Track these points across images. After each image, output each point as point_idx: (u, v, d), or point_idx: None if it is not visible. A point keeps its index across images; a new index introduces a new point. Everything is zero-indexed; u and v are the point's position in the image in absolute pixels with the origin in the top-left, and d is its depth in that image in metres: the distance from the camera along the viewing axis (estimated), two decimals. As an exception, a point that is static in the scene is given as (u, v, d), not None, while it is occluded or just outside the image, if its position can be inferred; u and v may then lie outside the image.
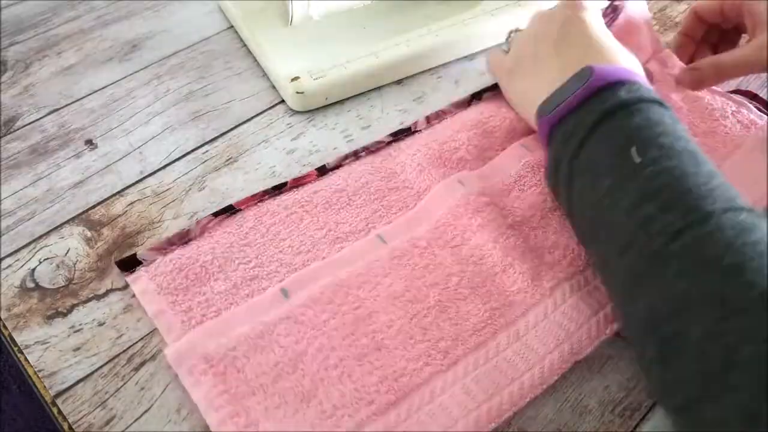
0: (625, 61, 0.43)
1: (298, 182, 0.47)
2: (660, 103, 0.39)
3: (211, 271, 0.41)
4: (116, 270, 0.42)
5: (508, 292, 0.41)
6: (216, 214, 0.44)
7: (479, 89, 0.53)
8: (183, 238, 0.43)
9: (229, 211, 0.45)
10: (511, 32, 0.53)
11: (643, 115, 0.38)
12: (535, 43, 0.47)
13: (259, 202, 0.45)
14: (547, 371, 0.38)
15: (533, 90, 0.45)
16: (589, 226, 0.39)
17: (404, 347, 0.38)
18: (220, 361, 0.37)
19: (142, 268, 0.41)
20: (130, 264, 0.42)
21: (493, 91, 0.53)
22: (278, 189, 0.46)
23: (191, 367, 0.37)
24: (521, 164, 0.47)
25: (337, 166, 0.48)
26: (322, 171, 0.48)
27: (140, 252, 0.42)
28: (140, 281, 0.41)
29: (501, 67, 0.51)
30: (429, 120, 0.51)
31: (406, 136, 0.50)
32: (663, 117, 0.38)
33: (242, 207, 0.45)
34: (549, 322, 0.40)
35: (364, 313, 0.39)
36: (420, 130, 0.51)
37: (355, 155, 0.49)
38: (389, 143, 0.50)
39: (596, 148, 0.39)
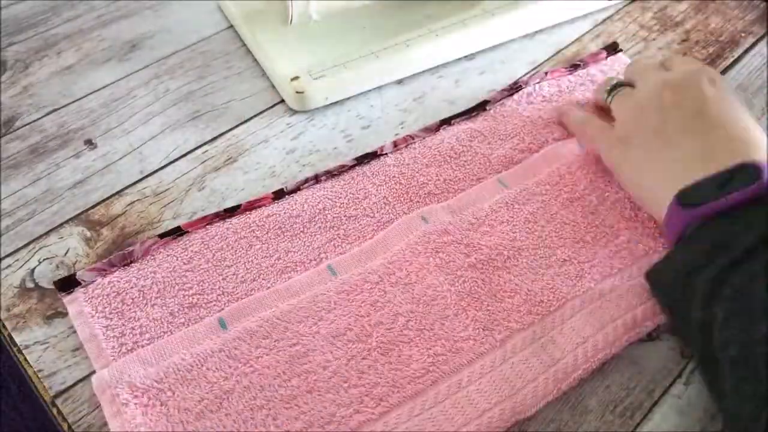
0: None
1: (252, 205, 0.45)
2: None
3: (149, 297, 0.40)
4: (116, 270, 0.42)
5: (456, 338, 0.38)
6: (162, 236, 0.43)
7: (448, 116, 0.51)
8: (124, 260, 0.42)
9: (176, 233, 0.43)
10: (614, 86, 0.48)
11: None
12: (664, 116, 0.41)
13: (208, 224, 0.44)
14: (484, 429, 0.35)
15: (660, 169, 0.40)
16: (730, 366, 0.32)
17: (336, 391, 0.36)
18: (145, 393, 0.35)
19: (80, 290, 0.40)
20: (69, 284, 0.40)
21: (463, 117, 0.51)
22: (231, 212, 0.45)
23: (113, 395, 0.35)
24: (495, 200, 0.45)
25: (295, 190, 0.46)
26: (279, 195, 0.46)
27: (79, 273, 0.41)
28: (76, 303, 0.40)
29: (602, 132, 0.46)
30: (396, 144, 0.49)
31: (371, 160, 0.48)
32: None
33: (189, 229, 0.43)
34: (495, 375, 0.37)
35: (301, 351, 0.37)
36: (386, 154, 0.48)
37: (316, 179, 0.47)
38: (353, 167, 0.48)
39: (751, 279, 0.33)
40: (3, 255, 0.43)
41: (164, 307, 0.40)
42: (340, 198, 0.46)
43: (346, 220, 0.44)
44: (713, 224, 0.35)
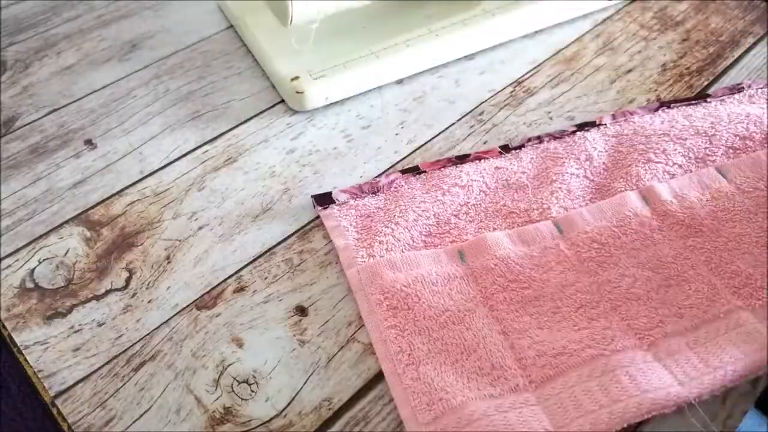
0: None
1: (479, 156, 0.49)
2: None
3: (393, 219, 0.44)
4: (115, 270, 0.43)
5: (681, 305, 0.40)
6: (403, 172, 0.48)
7: (668, 100, 0.52)
8: (373, 188, 0.47)
9: (415, 171, 0.48)
10: None
11: None
12: None
13: (443, 167, 0.48)
14: (723, 382, 0.36)
15: None
16: None
17: (567, 330, 0.39)
18: (394, 296, 0.40)
19: (335, 206, 0.46)
20: (324, 200, 0.46)
21: (683, 102, 0.52)
22: (461, 159, 0.48)
23: (369, 294, 0.40)
24: (716, 187, 0.45)
25: (520, 147, 0.49)
26: (505, 149, 0.49)
27: (335, 192, 0.46)
28: (332, 217, 0.45)
29: None
30: (615, 117, 0.51)
31: (591, 128, 0.50)
32: None
33: (427, 169, 0.48)
34: (721, 341, 0.38)
35: (532, 295, 0.40)
36: (606, 125, 0.51)
37: (539, 139, 0.50)
38: (573, 132, 0.50)
39: None
40: (3, 255, 0.43)
41: (406, 230, 0.44)
42: (562, 158, 0.48)
43: (569, 177, 0.47)
44: None
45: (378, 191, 0.47)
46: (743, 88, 0.54)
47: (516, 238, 0.43)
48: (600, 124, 0.51)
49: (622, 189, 0.46)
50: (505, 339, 0.38)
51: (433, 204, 0.45)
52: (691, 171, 0.47)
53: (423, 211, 0.45)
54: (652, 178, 0.46)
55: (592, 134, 0.50)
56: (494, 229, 0.44)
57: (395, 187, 0.47)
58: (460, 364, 0.37)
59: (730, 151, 0.48)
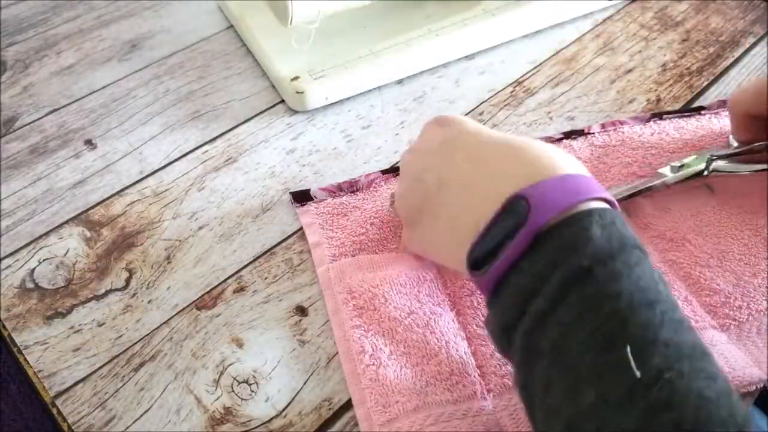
0: (557, 158, 0.32)
1: None
2: (640, 249, 0.29)
3: (369, 219, 0.44)
4: (115, 270, 0.43)
5: None
6: (384, 172, 0.48)
7: (660, 111, 0.52)
8: (351, 187, 0.47)
9: (396, 171, 0.47)
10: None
11: (629, 278, 0.27)
12: (418, 187, 0.37)
13: None
14: None
15: (445, 241, 0.35)
16: None
17: None
18: (362, 296, 0.39)
19: (313, 204, 0.46)
20: (302, 197, 0.46)
21: (675, 114, 0.51)
22: None
23: (336, 293, 0.40)
24: (700, 201, 0.45)
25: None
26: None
27: (314, 189, 0.46)
28: (308, 215, 0.45)
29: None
30: (603, 126, 0.50)
31: (578, 136, 0.50)
32: (651, 276, 0.28)
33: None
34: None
35: None
36: (593, 133, 0.50)
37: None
38: (559, 140, 0.49)
39: (568, 330, 0.27)
40: (3, 255, 0.43)
41: (380, 231, 0.44)
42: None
43: None
44: (509, 281, 0.30)
45: (357, 190, 0.46)
46: None
47: None
48: (588, 133, 0.50)
49: None
50: (469, 345, 0.38)
51: None
52: (677, 185, 0.46)
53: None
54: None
55: (579, 143, 0.49)
56: None
57: (374, 187, 0.47)
58: (421, 368, 0.37)
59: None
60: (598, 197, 0.30)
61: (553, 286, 0.28)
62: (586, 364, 0.26)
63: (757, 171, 0.45)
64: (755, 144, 0.45)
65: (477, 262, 0.31)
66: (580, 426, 0.26)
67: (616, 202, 0.31)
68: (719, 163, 0.45)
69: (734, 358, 0.37)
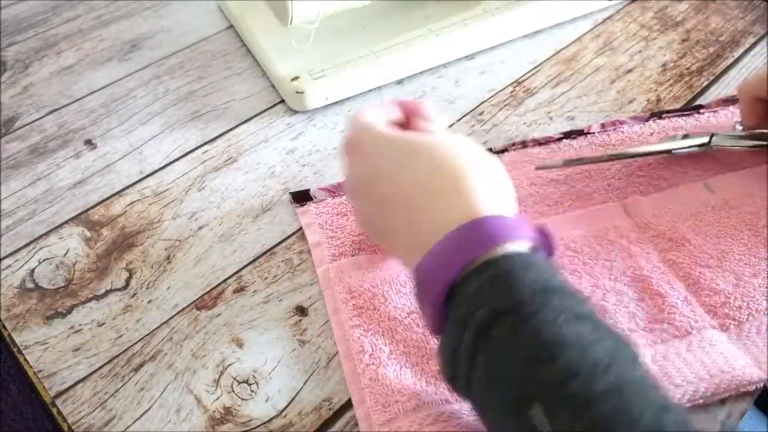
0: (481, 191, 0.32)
1: None
2: (566, 293, 0.29)
3: None
4: (115, 270, 0.43)
5: (651, 320, 0.40)
6: None
7: (659, 110, 0.52)
8: None
9: None
10: None
11: (549, 324, 0.27)
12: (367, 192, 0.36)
13: None
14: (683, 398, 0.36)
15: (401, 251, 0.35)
16: None
17: None
18: (361, 295, 0.40)
19: (312, 204, 0.46)
20: (302, 198, 0.46)
21: (674, 113, 0.51)
22: None
23: (336, 293, 0.40)
24: (701, 201, 0.45)
25: (502, 151, 0.49)
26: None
27: (313, 189, 0.46)
28: (308, 215, 0.45)
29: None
30: (604, 126, 0.50)
31: (577, 135, 0.50)
32: (579, 321, 0.28)
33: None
34: (679, 361, 0.37)
35: None
36: (594, 133, 0.50)
37: (523, 144, 0.49)
38: (559, 139, 0.49)
39: (489, 373, 0.28)
40: (3, 255, 0.43)
41: None
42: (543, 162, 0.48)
43: (549, 182, 0.47)
44: (455, 302, 0.30)
45: None
46: (738, 99, 0.53)
47: None
48: (588, 133, 0.50)
49: (603, 200, 0.45)
50: None
51: None
52: (677, 185, 0.46)
53: None
54: (634, 191, 0.46)
55: (578, 142, 0.49)
56: None
57: None
58: (420, 368, 0.37)
59: (719, 166, 0.47)
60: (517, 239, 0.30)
61: (477, 323, 0.28)
62: (500, 413, 0.27)
63: (757, 146, 0.46)
64: (759, 130, 0.46)
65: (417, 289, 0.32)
66: None
67: (539, 238, 0.31)
68: (721, 138, 0.46)
69: (734, 357, 0.37)
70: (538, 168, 0.47)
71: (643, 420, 0.24)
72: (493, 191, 0.32)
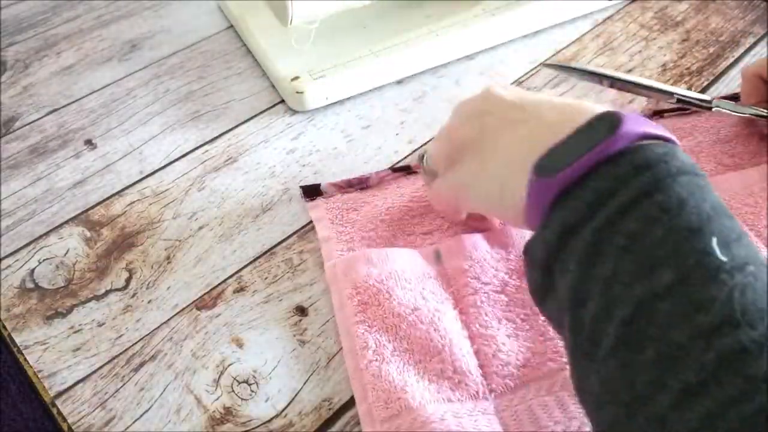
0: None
1: None
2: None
3: (379, 216, 0.44)
4: (115, 270, 0.43)
5: None
6: (395, 170, 0.48)
7: (662, 109, 0.51)
8: (361, 184, 0.47)
9: (406, 170, 0.48)
10: (423, 155, 0.44)
11: (710, 194, 0.28)
12: (476, 123, 0.37)
13: None
14: None
15: (501, 159, 0.35)
16: (620, 331, 0.26)
17: (533, 340, 0.38)
18: (366, 291, 0.39)
19: (322, 199, 0.46)
20: (312, 192, 0.46)
21: (676, 112, 0.51)
22: None
23: (342, 289, 0.40)
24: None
25: None
26: None
27: (324, 185, 0.47)
28: (317, 209, 0.45)
29: (431, 177, 0.42)
30: None
31: None
32: (720, 200, 0.28)
33: (418, 169, 0.47)
34: None
35: (504, 300, 0.40)
36: None
37: None
38: None
39: (649, 222, 0.27)
40: (3, 255, 0.43)
41: (389, 228, 0.44)
42: None
43: None
44: (586, 182, 0.29)
45: (367, 187, 0.47)
46: (738, 97, 0.52)
47: (494, 242, 0.42)
48: None
49: None
50: (472, 344, 0.38)
51: (421, 205, 0.45)
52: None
53: (408, 210, 0.45)
54: None
55: None
56: (471, 232, 0.43)
57: (384, 185, 0.47)
58: (423, 365, 0.37)
59: (720, 167, 0.47)
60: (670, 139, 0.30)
61: (633, 189, 0.27)
62: (666, 249, 0.26)
63: (757, 115, 0.47)
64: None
65: (544, 168, 0.31)
66: (652, 305, 0.25)
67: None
68: (722, 102, 0.47)
69: None
70: (545, 65, 0.50)
71: None
72: None
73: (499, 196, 0.35)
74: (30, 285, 0.42)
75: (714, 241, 0.25)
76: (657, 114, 0.51)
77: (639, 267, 0.26)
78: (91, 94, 0.54)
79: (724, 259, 0.25)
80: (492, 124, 0.36)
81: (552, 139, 0.31)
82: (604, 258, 0.27)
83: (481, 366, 0.37)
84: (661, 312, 0.25)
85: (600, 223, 0.28)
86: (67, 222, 0.45)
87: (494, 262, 0.41)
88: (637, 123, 0.30)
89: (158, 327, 0.40)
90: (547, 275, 0.31)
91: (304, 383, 0.38)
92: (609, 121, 0.30)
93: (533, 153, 0.32)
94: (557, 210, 0.30)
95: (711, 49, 0.58)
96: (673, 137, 0.31)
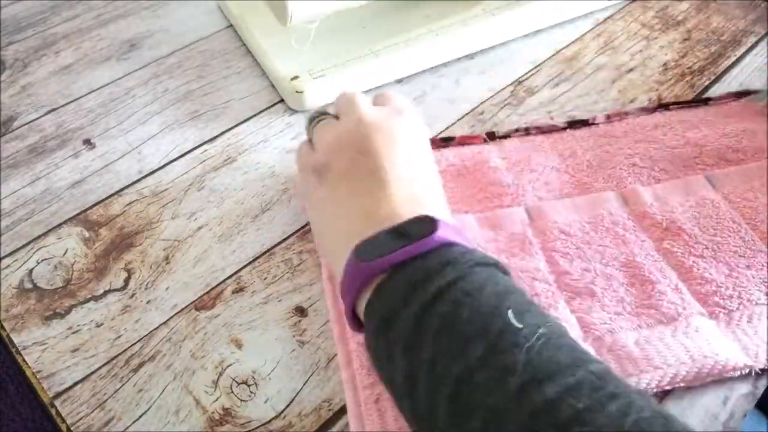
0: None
1: (464, 140, 0.49)
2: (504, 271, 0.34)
3: None
4: (114, 270, 0.42)
5: (639, 305, 0.40)
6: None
7: (666, 102, 0.52)
8: None
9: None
10: (317, 114, 0.42)
11: (501, 277, 0.33)
12: (352, 160, 0.38)
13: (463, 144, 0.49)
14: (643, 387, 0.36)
15: (342, 216, 0.37)
16: (449, 407, 0.29)
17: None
18: None
19: None
20: None
21: (681, 105, 0.52)
22: (446, 142, 0.49)
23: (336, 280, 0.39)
24: (701, 195, 0.45)
25: (506, 136, 0.50)
26: (491, 137, 0.50)
27: None
28: None
29: (304, 160, 0.41)
30: (609, 117, 0.51)
31: (581, 126, 0.50)
32: (509, 281, 0.33)
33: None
34: (662, 345, 0.38)
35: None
36: (598, 124, 0.51)
37: (526, 131, 0.50)
38: (563, 129, 0.50)
39: (457, 305, 0.30)
40: (2, 255, 0.43)
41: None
42: (546, 151, 0.49)
43: (550, 170, 0.47)
44: (399, 273, 0.32)
45: None
46: (747, 93, 0.53)
47: (485, 222, 0.43)
48: (592, 123, 0.50)
49: (602, 189, 0.46)
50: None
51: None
52: (678, 177, 0.46)
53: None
54: (634, 182, 0.46)
55: (582, 132, 0.50)
56: (465, 212, 0.44)
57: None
58: None
59: (722, 162, 0.47)
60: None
61: (441, 279, 0.31)
62: (475, 326, 0.29)
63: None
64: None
65: (362, 253, 0.34)
66: (471, 378, 0.28)
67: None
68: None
69: (719, 343, 0.37)
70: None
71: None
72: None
73: (327, 245, 0.38)
74: (28, 285, 0.42)
75: (510, 312, 0.29)
76: (662, 107, 0.51)
77: (455, 345, 0.29)
78: (89, 93, 0.54)
79: (520, 326, 0.29)
80: (357, 170, 0.37)
81: (378, 226, 0.34)
82: (423, 342, 0.30)
83: None
84: (478, 382, 0.28)
85: (416, 308, 0.31)
86: (65, 222, 0.45)
87: (483, 243, 0.42)
88: (446, 230, 0.33)
89: (157, 327, 0.40)
90: (377, 356, 0.33)
91: (304, 384, 0.38)
92: (427, 225, 0.34)
93: (360, 231, 0.35)
94: (379, 295, 0.33)
95: (712, 49, 0.58)
96: (471, 244, 0.34)
